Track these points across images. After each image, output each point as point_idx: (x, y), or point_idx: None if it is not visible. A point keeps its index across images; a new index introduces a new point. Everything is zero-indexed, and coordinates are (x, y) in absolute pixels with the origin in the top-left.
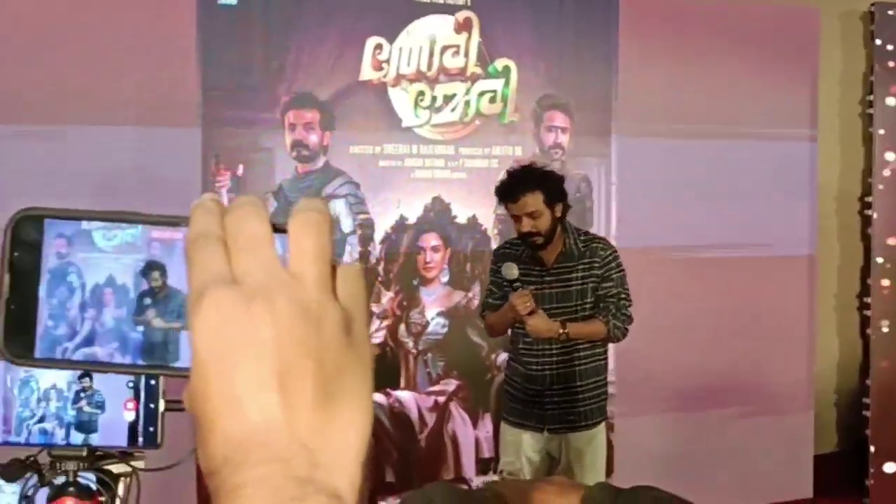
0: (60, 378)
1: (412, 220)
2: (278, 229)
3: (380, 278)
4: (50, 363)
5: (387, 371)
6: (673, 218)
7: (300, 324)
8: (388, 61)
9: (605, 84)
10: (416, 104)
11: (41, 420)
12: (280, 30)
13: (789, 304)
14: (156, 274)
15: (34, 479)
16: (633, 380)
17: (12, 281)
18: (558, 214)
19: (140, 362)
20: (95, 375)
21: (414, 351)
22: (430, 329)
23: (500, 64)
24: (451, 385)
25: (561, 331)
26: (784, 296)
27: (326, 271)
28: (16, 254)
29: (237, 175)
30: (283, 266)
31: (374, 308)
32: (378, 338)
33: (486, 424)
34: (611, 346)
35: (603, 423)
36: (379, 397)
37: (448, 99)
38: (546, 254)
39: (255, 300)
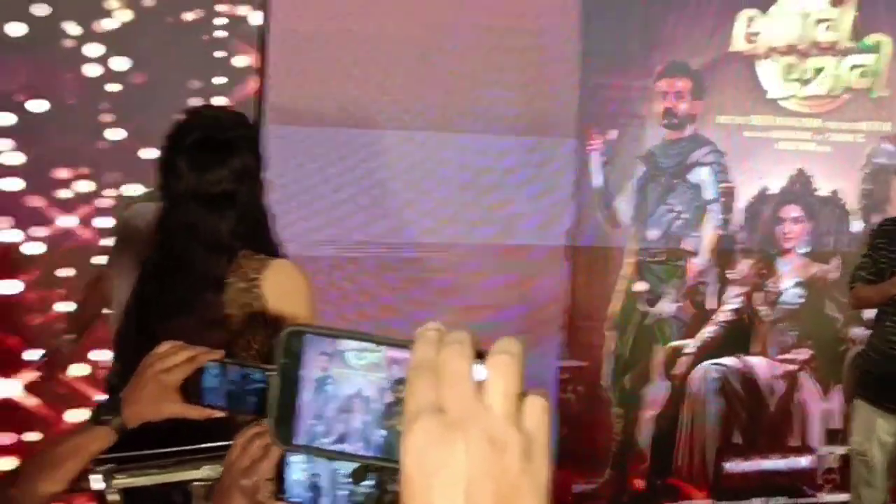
0: None
1: (774, 190)
2: (480, 355)
3: (739, 246)
4: (306, 449)
5: (740, 336)
6: None
7: (487, 450)
8: (759, 34)
9: None
10: (785, 77)
11: None
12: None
13: None
14: (401, 387)
15: None
16: None
17: (282, 383)
18: None
19: (378, 455)
20: None
21: (768, 319)
22: (785, 298)
23: (872, 39)
24: (802, 354)
25: None
26: None
27: (513, 406)
28: (284, 361)
29: (609, 140)
30: (479, 397)
31: (732, 275)
32: (735, 303)
33: (837, 396)
34: None
35: None
36: (731, 361)
37: (817, 72)
38: None
39: (454, 428)
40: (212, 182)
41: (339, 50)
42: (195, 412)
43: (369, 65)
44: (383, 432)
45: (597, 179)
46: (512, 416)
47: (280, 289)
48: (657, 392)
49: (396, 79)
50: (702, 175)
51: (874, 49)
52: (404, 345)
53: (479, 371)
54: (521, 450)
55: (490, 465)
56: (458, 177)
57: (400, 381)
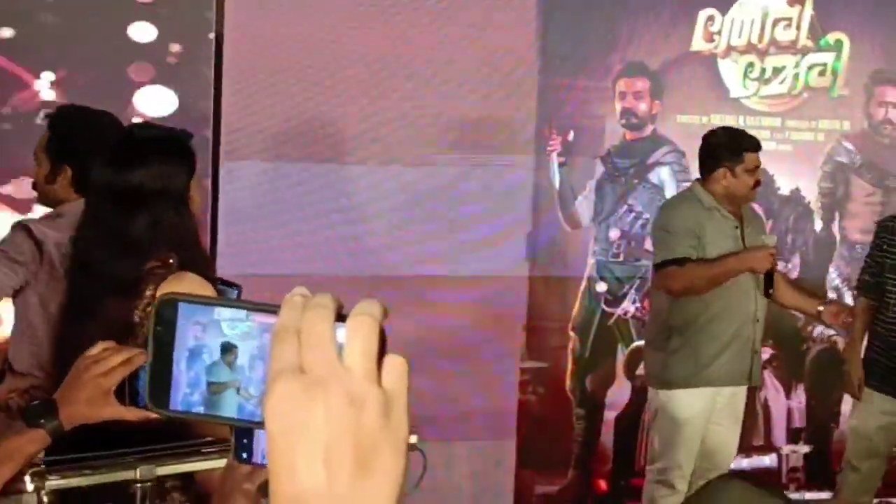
0: None
1: None
2: (342, 318)
3: None
4: (181, 414)
5: None
6: None
7: (346, 408)
8: (719, 33)
9: None
10: (745, 76)
11: None
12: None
13: None
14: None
15: None
16: None
17: (155, 350)
18: None
19: (243, 418)
20: None
21: None
22: None
23: (832, 37)
24: (764, 353)
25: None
26: None
27: (372, 365)
28: (158, 329)
29: (568, 140)
30: (340, 358)
31: None
32: None
33: (799, 395)
34: None
35: None
36: None
37: (777, 71)
38: None
39: (313, 388)
40: (124, 178)
41: (293, 80)
42: (131, 414)
43: (323, 95)
44: (254, 397)
45: (555, 180)
46: (371, 375)
47: None
48: (619, 393)
49: (353, 111)
50: (662, 175)
51: (834, 48)
52: (273, 310)
53: (342, 334)
54: (380, 407)
55: (349, 423)
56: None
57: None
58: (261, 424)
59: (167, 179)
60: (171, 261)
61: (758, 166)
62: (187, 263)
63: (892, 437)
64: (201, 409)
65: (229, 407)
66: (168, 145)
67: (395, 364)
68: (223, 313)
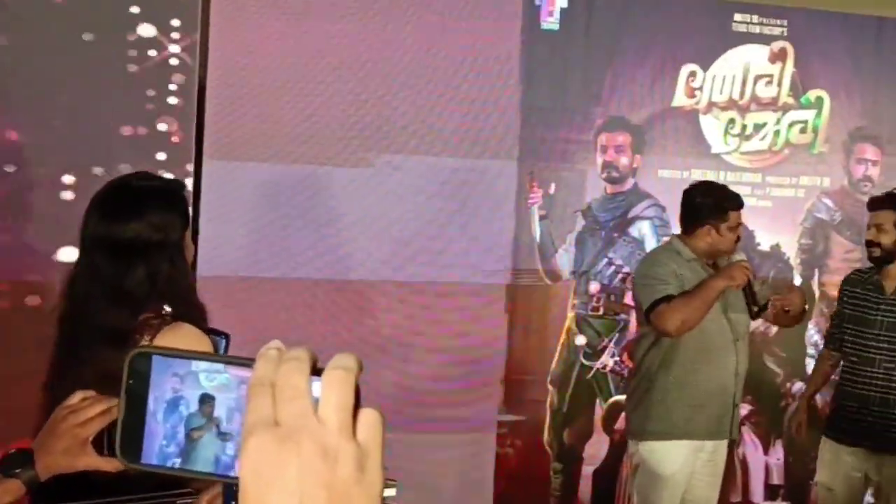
0: None
1: None
2: (319, 373)
3: None
4: (153, 468)
5: None
6: None
7: (319, 462)
8: (700, 88)
9: None
10: (727, 132)
11: None
12: (599, 55)
13: None
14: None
15: None
16: None
17: (127, 403)
18: None
19: (217, 473)
20: None
21: None
22: None
23: (813, 94)
24: (743, 410)
25: None
26: None
27: (347, 419)
28: (130, 382)
29: (549, 193)
30: (314, 410)
31: None
32: None
33: (778, 451)
34: None
35: None
36: None
37: (758, 128)
38: (887, 280)
39: (287, 442)
40: (121, 230)
41: (276, 84)
42: (109, 465)
43: (306, 100)
44: (231, 450)
45: (536, 232)
46: (346, 428)
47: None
48: (597, 447)
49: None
50: (642, 229)
51: (814, 105)
52: (248, 364)
53: (318, 387)
54: (354, 461)
55: (323, 477)
56: (396, 212)
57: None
58: (235, 479)
59: (164, 231)
60: (164, 312)
61: (740, 223)
62: (182, 314)
63: (856, 490)
64: (177, 461)
65: (205, 460)
66: (164, 196)
67: (369, 418)
68: (200, 364)
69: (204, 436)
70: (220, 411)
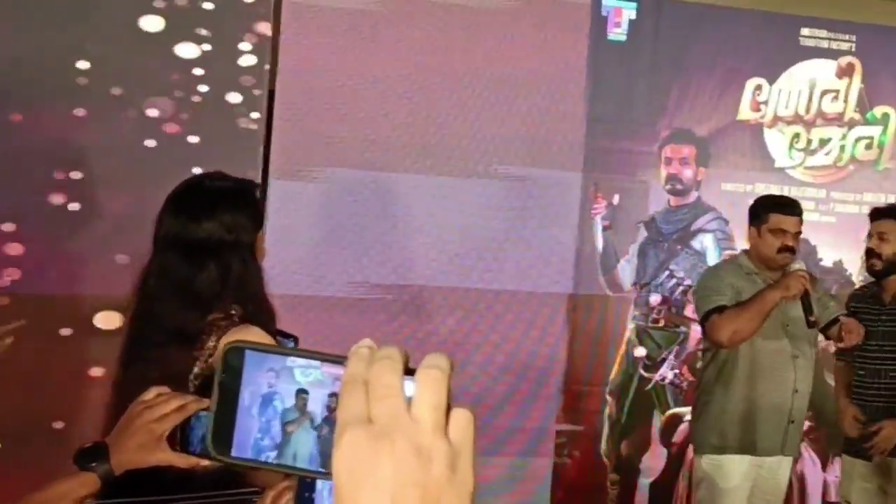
0: None
1: None
2: (411, 372)
3: None
4: (246, 461)
5: None
6: None
7: (413, 460)
8: (766, 102)
9: None
10: (791, 146)
11: None
12: (666, 67)
13: None
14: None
15: None
16: None
17: (220, 397)
18: None
19: (311, 469)
20: None
21: None
22: None
23: (879, 111)
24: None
25: None
26: None
27: (440, 418)
28: (223, 376)
29: (612, 204)
30: (407, 409)
31: None
32: None
33: (836, 468)
34: None
35: None
36: None
37: (823, 143)
38: (886, 292)
39: (381, 439)
40: (193, 230)
41: (346, 94)
42: (183, 461)
43: (375, 109)
44: (324, 446)
45: (599, 243)
46: (439, 427)
47: None
48: (654, 459)
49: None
50: (705, 242)
51: (881, 121)
52: (340, 361)
53: (409, 386)
54: (447, 460)
55: (416, 475)
56: (460, 221)
57: (336, 395)
58: (328, 475)
59: (237, 231)
60: (233, 312)
61: (784, 230)
62: (251, 316)
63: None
64: (271, 455)
65: (299, 455)
66: (237, 197)
67: (462, 417)
68: (297, 360)
69: (298, 430)
70: (313, 406)
